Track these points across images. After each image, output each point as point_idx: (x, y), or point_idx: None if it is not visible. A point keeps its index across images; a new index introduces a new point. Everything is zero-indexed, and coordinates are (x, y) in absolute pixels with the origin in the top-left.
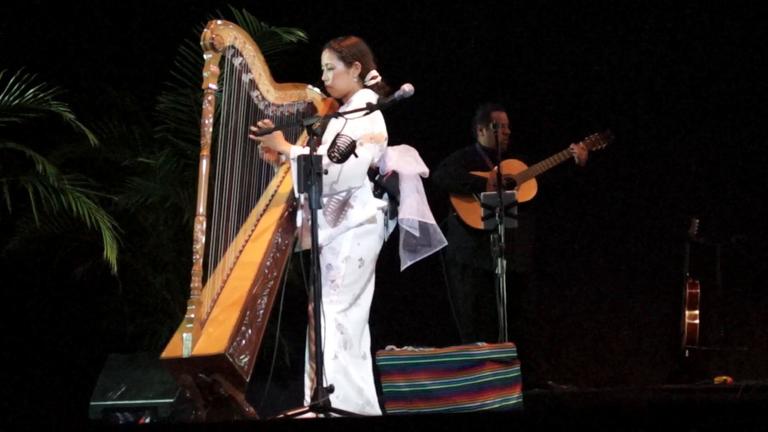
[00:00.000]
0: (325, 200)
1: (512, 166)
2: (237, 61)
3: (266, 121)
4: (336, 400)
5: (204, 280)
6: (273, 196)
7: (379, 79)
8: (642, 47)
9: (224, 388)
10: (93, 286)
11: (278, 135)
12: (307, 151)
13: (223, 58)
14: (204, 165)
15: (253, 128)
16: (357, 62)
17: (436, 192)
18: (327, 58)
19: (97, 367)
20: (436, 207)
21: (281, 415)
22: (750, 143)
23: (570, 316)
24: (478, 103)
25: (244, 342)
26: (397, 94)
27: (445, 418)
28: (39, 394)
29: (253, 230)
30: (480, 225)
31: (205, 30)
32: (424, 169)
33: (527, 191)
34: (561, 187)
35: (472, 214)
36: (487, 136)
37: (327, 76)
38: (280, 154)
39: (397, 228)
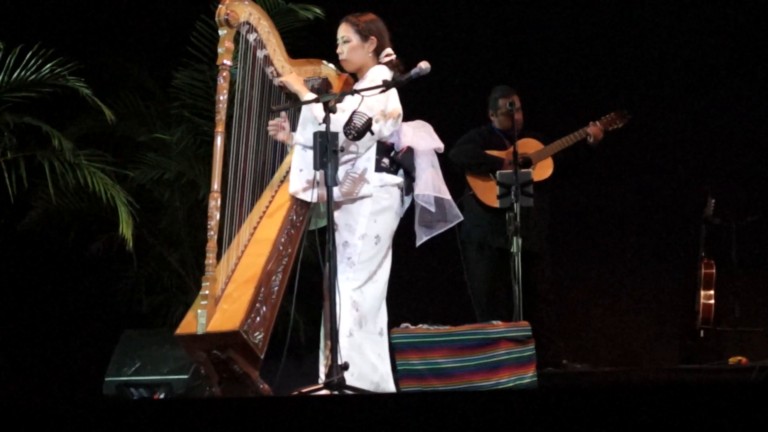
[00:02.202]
0: (340, 173)
1: (528, 145)
2: (252, 37)
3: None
4: (351, 378)
5: (219, 257)
6: (287, 172)
7: (393, 57)
8: (659, 24)
9: (238, 364)
10: (108, 261)
11: (294, 76)
12: (320, 106)
13: (238, 33)
14: (219, 141)
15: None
16: (373, 37)
17: (452, 171)
18: (343, 30)
19: (111, 342)
20: (453, 186)
21: (295, 392)
22: (767, 123)
23: (585, 296)
24: (493, 82)
25: (258, 319)
26: (413, 71)
27: (460, 396)
28: (53, 369)
29: (267, 207)
30: (496, 203)
31: (220, 6)
32: (439, 145)
33: (543, 170)
34: (574, 167)
35: (488, 192)
36: (499, 122)
37: (342, 49)
38: (293, 129)
39: (412, 204)
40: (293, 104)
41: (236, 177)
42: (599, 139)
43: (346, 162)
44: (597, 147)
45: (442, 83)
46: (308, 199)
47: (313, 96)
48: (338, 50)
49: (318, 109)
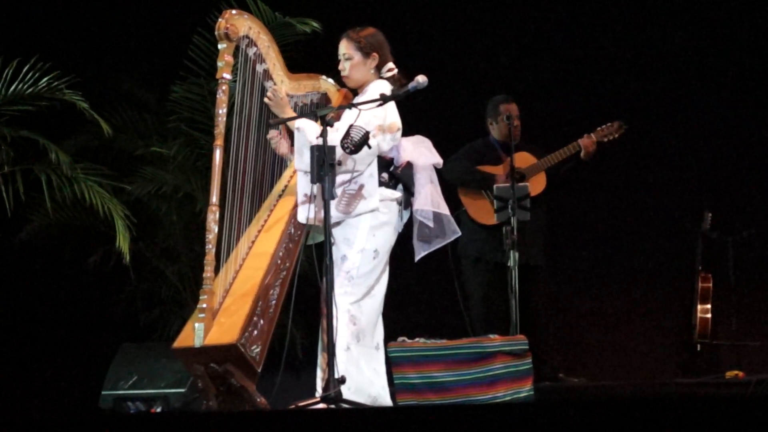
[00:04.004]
0: (338, 191)
1: (522, 159)
2: (251, 51)
3: (274, 88)
4: (347, 392)
5: (216, 270)
6: (286, 186)
7: (395, 71)
8: (655, 36)
9: (236, 378)
10: (105, 275)
11: (285, 103)
12: (313, 127)
13: (237, 47)
14: (217, 155)
15: (268, 96)
16: (375, 53)
17: (449, 185)
18: (345, 48)
19: (108, 356)
20: (450, 200)
21: (292, 406)
22: (764, 136)
23: (581, 310)
24: (490, 95)
25: (255, 332)
26: (410, 85)
27: (456, 410)
28: (50, 382)
29: (265, 220)
30: (489, 221)
31: (220, 20)
32: (438, 160)
33: (537, 185)
34: (566, 181)
35: (480, 210)
36: (498, 130)
37: (344, 66)
38: (292, 144)
39: (410, 219)
40: (291, 119)
41: (234, 190)
42: (591, 152)
43: (349, 181)
44: (590, 160)
45: (440, 97)
46: (304, 221)
47: (306, 121)
48: (340, 67)
49: (311, 133)
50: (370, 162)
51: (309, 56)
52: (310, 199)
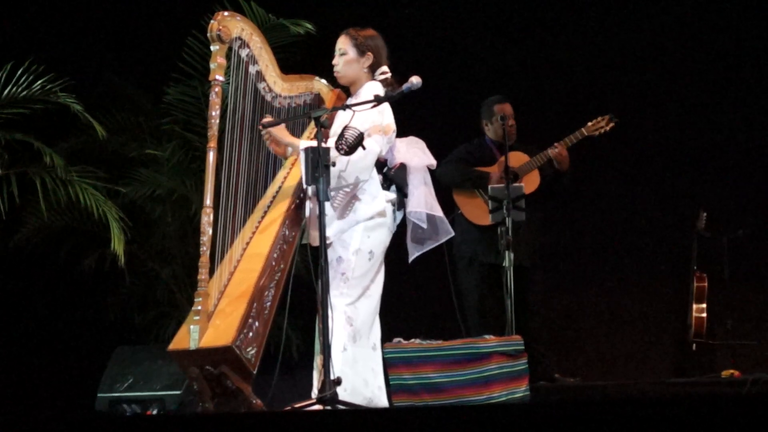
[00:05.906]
0: (333, 193)
1: (515, 158)
2: (244, 53)
3: (267, 116)
4: (344, 393)
5: (211, 272)
6: (280, 187)
7: (389, 75)
8: (649, 34)
9: (231, 380)
10: (100, 278)
11: (282, 129)
12: (315, 143)
13: (230, 49)
14: (211, 157)
15: (263, 122)
16: (369, 53)
17: (443, 187)
18: (342, 43)
19: (104, 358)
20: (444, 202)
21: (288, 408)
22: (759, 135)
23: (577, 310)
24: (484, 96)
25: (251, 334)
26: (405, 86)
27: (452, 411)
28: (46, 385)
29: (260, 222)
30: (484, 221)
31: (212, 21)
32: (432, 161)
33: (530, 183)
34: (552, 187)
35: (475, 210)
36: (493, 130)
37: (337, 61)
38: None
39: (404, 220)
40: (282, 120)
41: (229, 192)
42: (564, 158)
43: (352, 193)
44: (566, 169)
45: (435, 98)
46: (317, 244)
47: (307, 142)
48: (334, 62)
49: (306, 144)
50: (372, 168)
51: (303, 58)
52: (305, 199)
